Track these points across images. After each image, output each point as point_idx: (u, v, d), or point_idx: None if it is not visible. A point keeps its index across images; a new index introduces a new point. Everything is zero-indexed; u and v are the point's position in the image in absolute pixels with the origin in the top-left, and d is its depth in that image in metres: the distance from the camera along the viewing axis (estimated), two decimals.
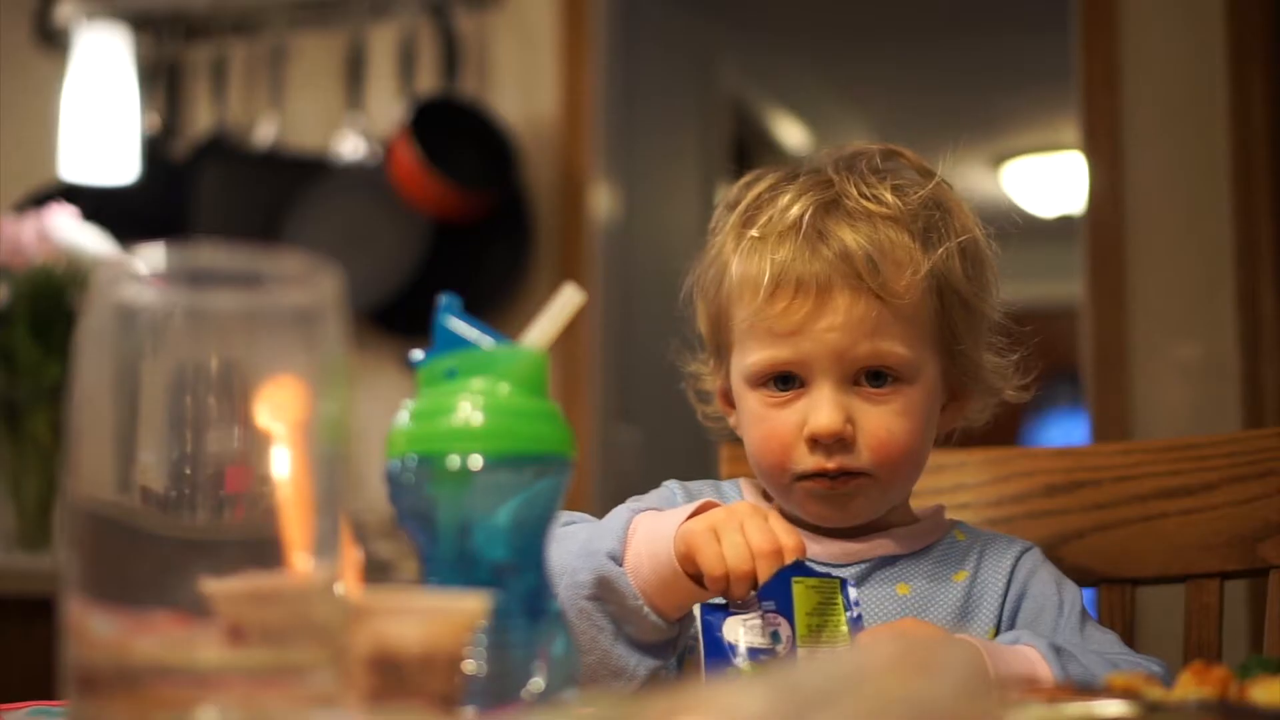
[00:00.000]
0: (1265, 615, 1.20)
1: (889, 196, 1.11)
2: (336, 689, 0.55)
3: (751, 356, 1.11)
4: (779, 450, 1.10)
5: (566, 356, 2.93)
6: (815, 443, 1.08)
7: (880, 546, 1.13)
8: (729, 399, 1.19)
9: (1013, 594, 1.13)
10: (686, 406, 1.26)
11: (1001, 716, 0.57)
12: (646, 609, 1.01)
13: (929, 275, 1.10)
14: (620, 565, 1.02)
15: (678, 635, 1.04)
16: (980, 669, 0.49)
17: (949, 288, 1.12)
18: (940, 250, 1.11)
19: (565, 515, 1.09)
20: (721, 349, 1.17)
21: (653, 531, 1.03)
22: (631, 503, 1.15)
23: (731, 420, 1.19)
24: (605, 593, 1.03)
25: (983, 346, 1.16)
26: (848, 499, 1.10)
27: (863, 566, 1.13)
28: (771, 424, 1.10)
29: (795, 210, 1.11)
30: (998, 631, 1.12)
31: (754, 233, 1.12)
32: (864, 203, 1.11)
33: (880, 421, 1.08)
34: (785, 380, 1.10)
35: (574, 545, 1.04)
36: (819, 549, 1.11)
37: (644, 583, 1.01)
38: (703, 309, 1.18)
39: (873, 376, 1.09)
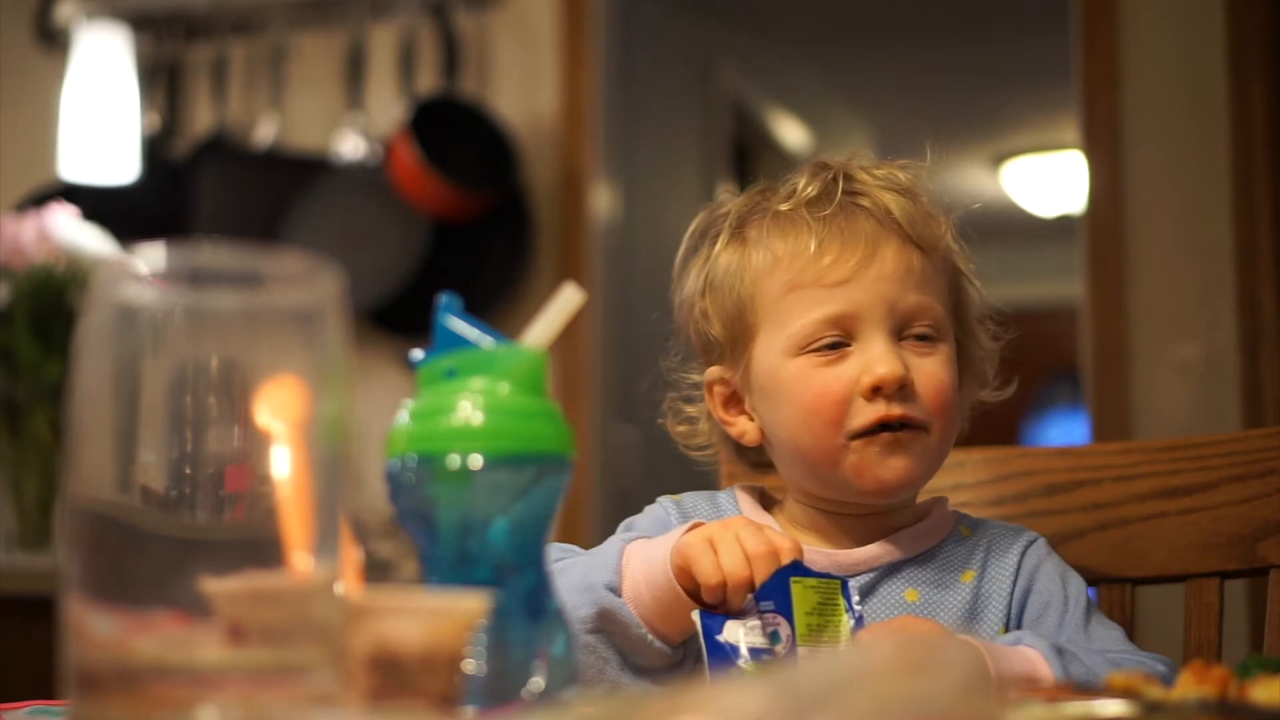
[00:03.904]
0: (1265, 615, 1.20)
1: (899, 173, 1.14)
2: (336, 689, 0.55)
3: (798, 321, 1.09)
4: (833, 407, 1.08)
5: (566, 356, 2.92)
6: (875, 393, 1.07)
7: (885, 554, 1.12)
8: (737, 403, 1.16)
9: (1019, 590, 1.13)
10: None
11: (1001, 716, 0.57)
12: (650, 637, 1.02)
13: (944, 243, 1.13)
14: (619, 596, 1.02)
15: (683, 659, 1.04)
16: (981, 668, 0.49)
17: (953, 259, 1.15)
18: (952, 215, 1.15)
19: (554, 549, 1.08)
20: (740, 343, 1.14)
21: (647, 559, 1.03)
22: (622, 530, 1.15)
23: (735, 429, 1.16)
24: (607, 625, 1.03)
25: (977, 327, 1.17)
26: (906, 450, 1.08)
27: (869, 577, 1.12)
28: (823, 381, 1.08)
29: (816, 185, 1.12)
30: (1007, 629, 1.11)
31: (783, 206, 1.12)
32: (876, 175, 1.13)
33: (932, 370, 1.09)
34: (832, 346, 1.08)
35: (569, 581, 1.03)
36: (823, 561, 1.10)
37: (645, 610, 1.01)
38: (714, 308, 1.15)
39: (915, 332, 1.10)
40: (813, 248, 1.09)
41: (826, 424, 1.08)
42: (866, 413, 1.07)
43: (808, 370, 1.09)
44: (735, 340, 1.14)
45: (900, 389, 1.07)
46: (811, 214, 1.10)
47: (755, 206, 1.16)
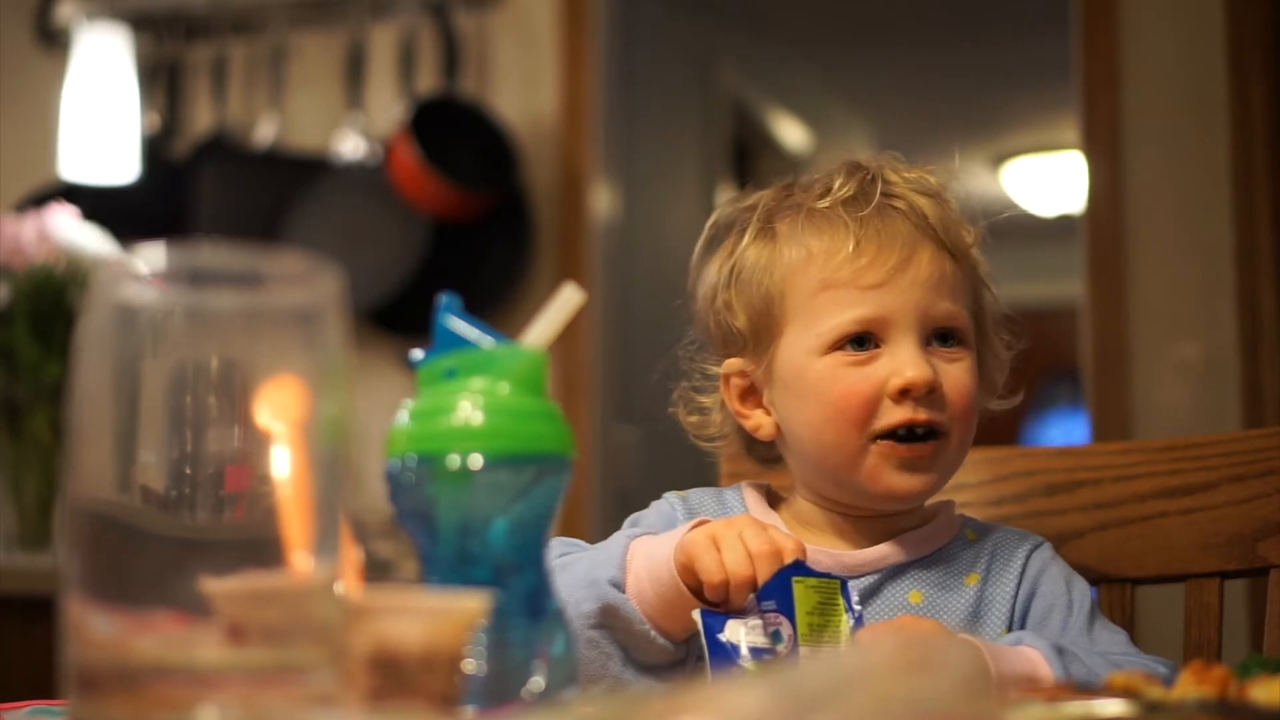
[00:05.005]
0: (1265, 615, 1.20)
1: (929, 177, 1.14)
2: (336, 689, 0.55)
3: (830, 320, 1.09)
4: (860, 406, 1.08)
5: (566, 356, 2.93)
6: (903, 395, 1.07)
7: (890, 555, 1.12)
8: (754, 396, 1.16)
9: (1023, 593, 1.13)
10: None
11: (1001, 716, 0.57)
12: (653, 633, 1.02)
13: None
14: (623, 592, 1.02)
15: (685, 656, 1.04)
16: (981, 667, 0.49)
17: (976, 267, 1.15)
18: (979, 225, 1.15)
19: (559, 544, 1.08)
20: (765, 337, 1.14)
21: (651, 556, 1.03)
22: (628, 526, 1.15)
23: (750, 423, 1.16)
24: (611, 620, 1.03)
25: (993, 336, 1.18)
26: (926, 463, 1.09)
27: (873, 578, 1.12)
28: (852, 381, 1.08)
29: (852, 185, 1.12)
30: (1010, 633, 1.11)
31: (819, 204, 1.12)
32: (908, 177, 1.14)
33: (958, 377, 1.09)
34: (860, 343, 1.09)
35: (574, 576, 1.03)
36: (828, 561, 1.10)
37: (649, 606, 1.02)
38: (739, 301, 1.14)
39: (941, 338, 1.10)
40: (850, 247, 1.09)
41: (851, 423, 1.08)
42: (893, 414, 1.07)
43: (836, 369, 1.09)
44: (760, 334, 1.14)
45: (929, 393, 1.07)
46: (848, 213, 1.10)
47: (784, 202, 1.15)
